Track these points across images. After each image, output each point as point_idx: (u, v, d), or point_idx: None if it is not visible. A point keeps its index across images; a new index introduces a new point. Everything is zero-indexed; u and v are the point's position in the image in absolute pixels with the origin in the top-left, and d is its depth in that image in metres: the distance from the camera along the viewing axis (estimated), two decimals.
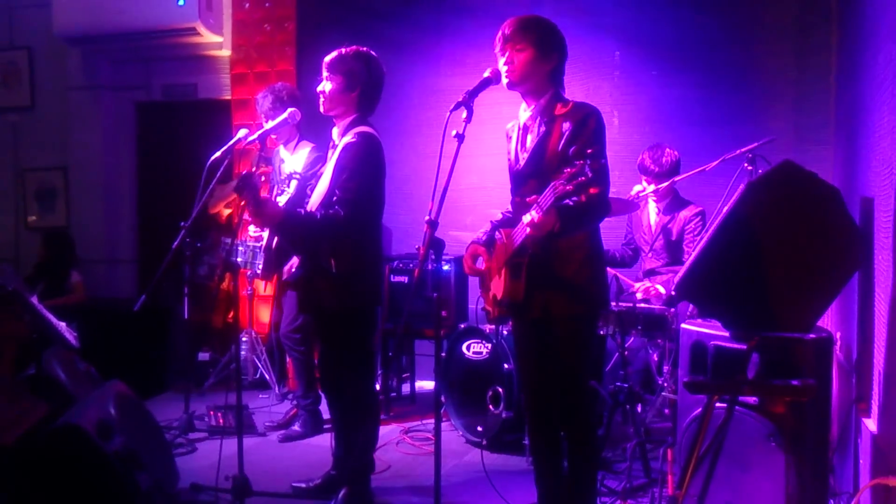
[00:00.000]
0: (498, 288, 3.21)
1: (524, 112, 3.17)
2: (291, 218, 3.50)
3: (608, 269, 4.42)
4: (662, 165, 4.64)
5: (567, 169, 2.63)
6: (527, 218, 2.79)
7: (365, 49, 3.68)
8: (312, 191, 3.72)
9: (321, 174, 3.75)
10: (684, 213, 4.71)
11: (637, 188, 4.71)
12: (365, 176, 3.53)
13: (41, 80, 7.41)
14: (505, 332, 4.65)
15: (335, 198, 3.50)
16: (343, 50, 3.66)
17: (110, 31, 6.60)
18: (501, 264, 3.16)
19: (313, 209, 3.58)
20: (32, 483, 3.16)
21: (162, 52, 6.95)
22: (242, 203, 3.34)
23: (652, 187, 4.65)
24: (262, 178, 3.83)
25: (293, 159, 4.75)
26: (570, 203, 2.77)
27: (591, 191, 2.58)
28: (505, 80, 3.05)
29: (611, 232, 4.27)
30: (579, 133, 2.95)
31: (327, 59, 3.65)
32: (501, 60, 3.05)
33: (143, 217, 7.44)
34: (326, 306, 3.63)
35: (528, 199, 2.84)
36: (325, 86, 3.63)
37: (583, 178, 2.57)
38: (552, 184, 2.67)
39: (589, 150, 2.87)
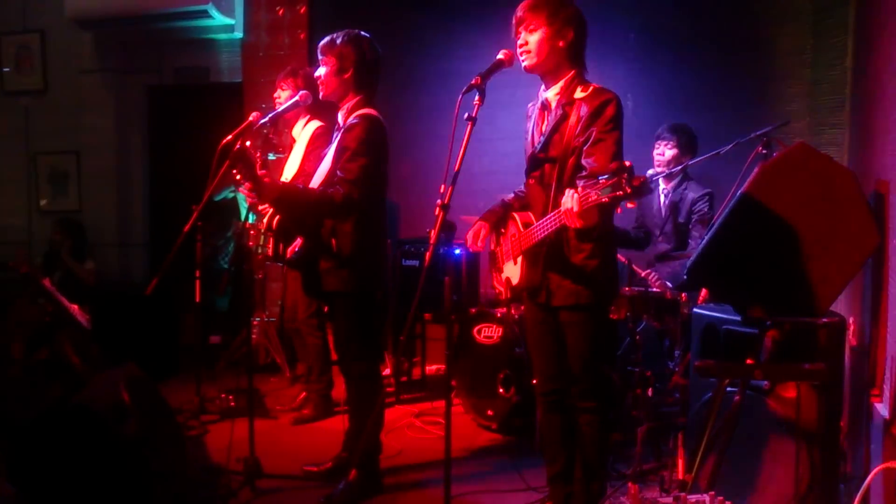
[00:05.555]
0: (513, 273, 3.20)
1: (544, 93, 3.12)
2: (289, 192, 3.54)
3: (624, 249, 4.43)
4: (679, 129, 4.65)
5: (603, 179, 2.50)
6: (566, 203, 2.67)
7: (355, 31, 3.67)
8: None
9: (324, 154, 3.77)
10: (692, 194, 4.67)
11: (650, 172, 4.68)
12: (365, 157, 3.51)
13: (53, 64, 7.39)
14: (516, 316, 4.64)
15: (336, 178, 3.52)
16: (334, 34, 3.67)
17: (122, 14, 6.59)
18: (519, 252, 3.14)
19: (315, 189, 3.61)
20: (45, 465, 3.18)
21: (174, 35, 6.93)
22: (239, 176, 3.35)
23: (666, 152, 4.65)
24: (258, 154, 3.83)
25: (302, 134, 4.83)
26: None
27: (629, 206, 2.54)
28: (524, 64, 3.02)
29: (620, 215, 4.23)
30: (596, 118, 2.90)
31: (320, 44, 3.67)
32: (517, 44, 3.03)
33: (155, 201, 7.46)
34: (328, 287, 3.64)
35: (560, 200, 2.71)
36: (320, 70, 3.66)
37: (621, 193, 2.49)
38: (588, 188, 2.55)
39: (609, 143, 2.84)
